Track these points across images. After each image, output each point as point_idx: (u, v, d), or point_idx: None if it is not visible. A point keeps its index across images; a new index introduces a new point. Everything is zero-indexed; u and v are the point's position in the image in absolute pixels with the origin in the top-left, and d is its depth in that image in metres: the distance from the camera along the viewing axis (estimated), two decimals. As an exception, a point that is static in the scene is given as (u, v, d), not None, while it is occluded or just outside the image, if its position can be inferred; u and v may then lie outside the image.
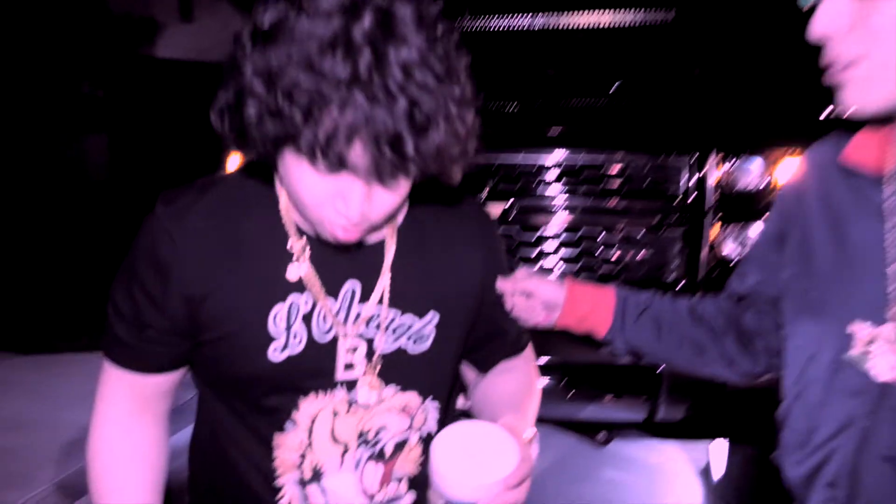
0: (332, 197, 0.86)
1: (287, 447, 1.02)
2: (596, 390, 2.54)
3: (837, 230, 0.99)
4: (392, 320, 1.03)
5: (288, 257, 0.99)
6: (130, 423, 1.07)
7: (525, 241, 2.47)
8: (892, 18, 0.80)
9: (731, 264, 2.43)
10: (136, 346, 1.02)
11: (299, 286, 0.99)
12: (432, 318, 1.05)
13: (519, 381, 1.19)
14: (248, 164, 1.04)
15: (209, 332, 0.99)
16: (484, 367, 1.20)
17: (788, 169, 2.44)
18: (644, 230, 2.43)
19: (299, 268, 0.99)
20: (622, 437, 3.38)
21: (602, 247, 2.45)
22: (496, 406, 1.10)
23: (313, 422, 1.01)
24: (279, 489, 1.03)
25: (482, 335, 1.15)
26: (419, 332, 1.05)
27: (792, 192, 1.09)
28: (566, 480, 3.23)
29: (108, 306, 1.04)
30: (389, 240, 1.03)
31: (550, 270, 2.47)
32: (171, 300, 0.98)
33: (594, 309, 1.23)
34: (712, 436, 2.87)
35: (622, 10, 3.26)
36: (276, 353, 0.98)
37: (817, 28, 0.85)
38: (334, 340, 1.00)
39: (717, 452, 3.22)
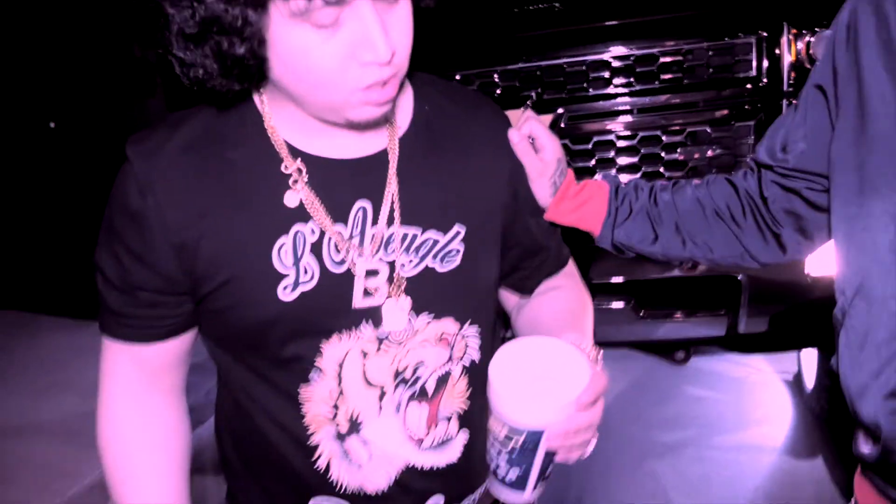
0: (349, 49, 0.74)
1: (316, 400, 0.90)
2: (670, 308, 2.36)
3: None
4: (413, 238, 0.90)
5: (284, 183, 0.86)
6: (142, 404, 0.96)
7: (580, 150, 2.24)
8: None
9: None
10: (132, 313, 0.90)
11: (303, 214, 0.86)
12: (458, 231, 0.92)
13: (569, 298, 1.07)
14: (218, 95, 0.88)
15: (209, 281, 0.86)
16: (526, 288, 1.08)
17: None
18: (711, 125, 2.17)
19: (299, 193, 0.85)
20: (703, 353, 3.22)
21: (666, 149, 2.20)
22: (549, 326, 0.97)
23: (341, 367, 0.89)
24: (314, 448, 0.92)
25: (520, 252, 1.04)
26: (445, 248, 0.92)
27: (841, 38, 0.90)
28: (647, 403, 3.10)
29: (96, 276, 0.92)
30: (392, 150, 0.90)
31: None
32: (159, 253, 0.85)
33: (587, 206, 1.10)
34: (800, 346, 2.72)
35: None
36: (286, 292, 0.86)
37: None
38: (350, 270, 0.88)
39: (808, 361, 3.06)
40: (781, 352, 3.05)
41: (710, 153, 2.18)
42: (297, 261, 0.86)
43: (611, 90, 2.20)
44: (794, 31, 2.09)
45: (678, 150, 2.19)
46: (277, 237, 0.85)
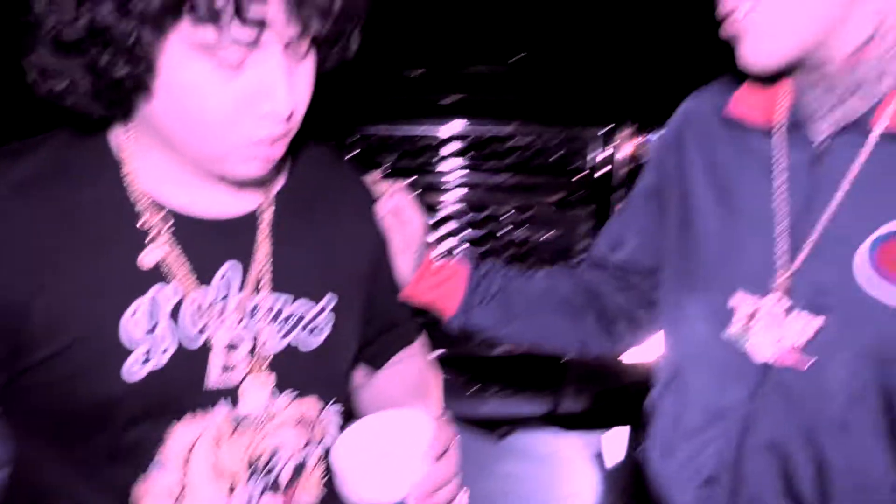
0: (248, 97, 0.69)
1: (154, 496, 0.78)
2: (496, 385, 2.41)
3: (721, 188, 0.91)
4: (280, 309, 0.84)
5: (141, 238, 0.77)
6: None
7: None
8: None
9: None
10: None
11: (160, 275, 0.77)
12: (329, 301, 0.88)
13: (418, 368, 1.05)
14: (70, 126, 0.78)
15: (38, 349, 0.73)
16: (378, 361, 1.05)
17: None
18: (550, 208, 2.26)
19: (158, 250, 0.77)
20: (519, 429, 3.31)
21: (508, 226, 2.27)
22: (395, 399, 0.94)
23: (189, 455, 0.78)
24: None
25: (377, 326, 1.01)
26: (314, 320, 0.87)
27: (669, 146, 1.00)
28: (464, 480, 3.09)
29: None
30: (265, 209, 0.85)
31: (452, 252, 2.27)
32: None
33: (445, 286, 1.11)
34: (612, 425, 2.83)
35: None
36: (134, 369, 0.75)
37: None
38: (208, 342, 0.79)
39: (612, 440, 3.21)
40: (594, 430, 3.19)
41: (548, 235, 2.26)
42: (151, 330, 0.76)
43: (458, 165, 2.24)
44: (630, 128, 2.25)
45: (517, 230, 2.26)
46: (130, 300, 0.75)
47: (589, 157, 2.27)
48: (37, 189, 0.75)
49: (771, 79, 0.87)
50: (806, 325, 0.82)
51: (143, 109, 0.71)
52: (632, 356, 2.30)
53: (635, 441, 2.96)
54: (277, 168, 0.86)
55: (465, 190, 2.24)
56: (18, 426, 0.80)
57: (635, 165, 2.28)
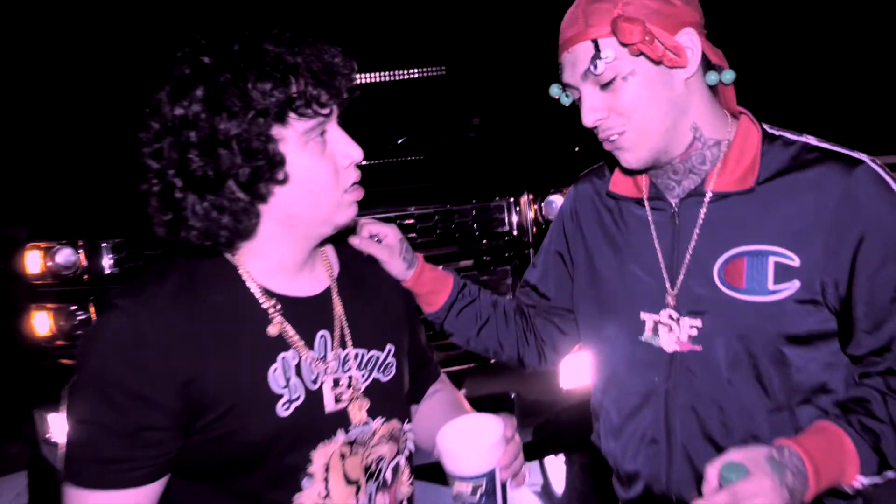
0: (334, 160, 1.01)
1: (309, 502, 1.03)
2: None
3: (613, 243, 1.27)
4: (361, 356, 1.12)
5: (263, 319, 1.03)
6: None
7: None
8: (630, 101, 1.07)
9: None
10: (130, 457, 0.95)
11: (283, 344, 1.04)
12: (389, 349, 1.16)
13: (452, 396, 1.33)
14: (184, 251, 1.05)
15: (209, 412, 0.98)
16: (418, 396, 1.32)
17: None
18: (478, 270, 2.64)
19: (277, 326, 1.03)
20: None
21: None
22: (447, 416, 1.19)
23: (327, 470, 1.05)
24: None
25: (415, 363, 1.27)
26: (384, 363, 1.15)
27: (567, 218, 1.37)
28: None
29: (75, 433, 0.96)
30: (333, 289, 1.13)
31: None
32: (164, 392, 0.95)
33: (434, 289, 1.36)
34: (557, 451, 3.11)
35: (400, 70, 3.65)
36: (283, 409, 1.01)
37: (587, 120, 1.11)
38: (321, 386, 1.06)
39: (553, 471, 3.48)
40: (544, 457, 3.43)
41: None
42: (287, 382, 1.02)
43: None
44: (531, 195, 2.69)
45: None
46: (269, 364, 1.01)
47: (504, 224, 2.68)
48: (183, 297, 0.99)
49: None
50: (691, 325, 1.14)
51: (270, 210, 0.99)
52: (570, 382, 2.68)
53: (572, 468, 3.26)
54: (331, 258, 1.16)
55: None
56: (193, 472, 1.01)
57: (542, 224, 2.73)
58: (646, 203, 1.22)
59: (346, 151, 1.02)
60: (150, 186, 0.97)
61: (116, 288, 1.00)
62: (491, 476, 1.04)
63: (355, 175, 1.04)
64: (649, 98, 1.08)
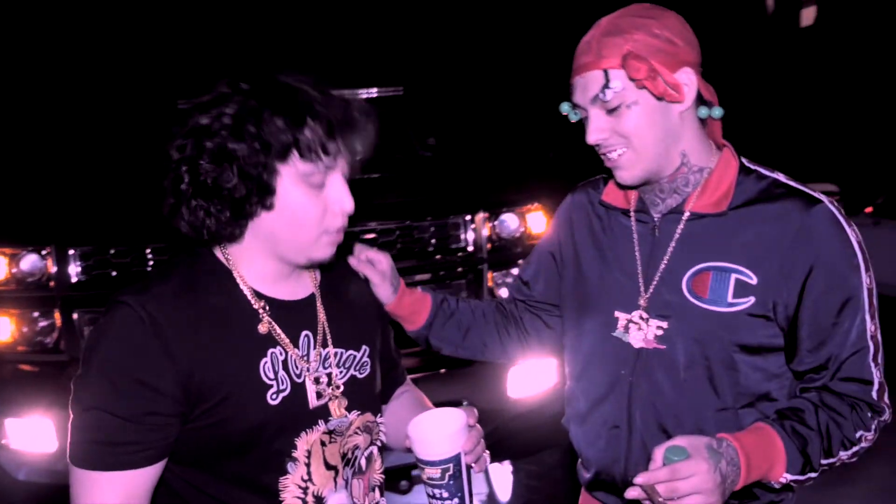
0: (327, 205, 1.12)
1: (291, 486, 1.14)
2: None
3: (599, 248, 1.43)
4: (340, 355, 1.24)
5: (254, 318, 1.15)
6: None
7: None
8: (631, 126, 1.23)
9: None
10: (137, 440, 1.04)
11: (271, 341, 1.15)
12: (365, 349, 1.29)
13: (417, 396, 1.46)
14: (180, 252, 1.19)
15: (206, 401, 1.08)
16: (386, 396, 1.43)
17: (536, 220, 2.99)
18: (434, 283, 2.79)
19: (267, 324, 1.15)
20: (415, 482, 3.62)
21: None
22: (414, 413, 1.31)
23: (309, 456, 1.16)
24: None
25: (385, 365, 1.39)
26: (360, 361, 1.27)
27: (562, 223, 1.53)
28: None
29: (83, 420, 1.05)
30: (316, 295, 1.25)
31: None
32: (169, 381, 1.05)
33: (414, 310, 1.50)
34: (498, 460, 3.21)
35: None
36: (273, 396, 1.13)
37: (591, 139, 1.27)
38: (305, 381, 1.18)
39: (497, 477, 3.63)
40: (497, 462, 3.54)
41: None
42: (276, 374, 1.14)
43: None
44: (486, 213, 2.85)
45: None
46: (261, 358, 1.13)
47: (462, 239, 2.83)
48: (184, 296, 1.09)
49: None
50: (658, 326, 1.28)
51: (255, 226, 1.11)
52: (518, 391, 2.82)
53: (518, 474, 3.40)
54: (314, 270, 1.26)
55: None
56: (189, 457, 1.10)
57: (496, 241, 2.90)
58: (632, 215, 1.38)
59: (340, 201, 1.13)
60: (166, 172, 1.10)
61: (124, 287, 1.10)
62: (457, 460, 1.16)
63: (341, 222, 1.15)
64: (647, 126, 1.23)
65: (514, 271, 2.92)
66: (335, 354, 1.23)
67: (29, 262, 2.58)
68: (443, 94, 4.06)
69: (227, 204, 1.08)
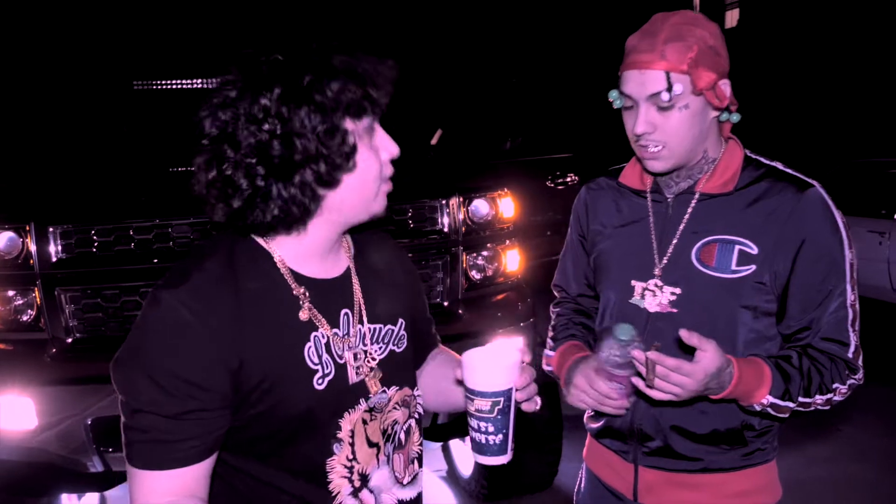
0: (378, 154, 1.14)
1: (338, 467, 1.16)
2: None
3: (617, 225, 1.59)
4: (378, 331, 1.25)
5: (295, 304, 1.14)
6: None
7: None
8: (676, 127, 1.36)
9: (479, 284, 3.03)
10: (188, 437, 1.04)
11: (313, 325, 1.15)
12: (401, 324, 1.30)
13: (453, 354, 1.46)
14: (217, 238, 1.17)
15: (255, 391, 1.08)
16: (420, 360, 1.44)
17: (506, 205, 3.13)
18: (415, 263, 2.86)
19: (308, 310, 1.15)
20: None
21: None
22: (454, 365, 1.30)
23: (352, 435, 1.17)
24: None
25: (421, 332, 1.42)
26: (398, 335, 1.29)
27: (581, 207, 1.68)
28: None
29: (132, 420, 1.04)
30: (352, 269, 1.25)
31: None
32: (215, 376, 1.05)
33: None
34: (459, 436, 3.22)
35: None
36: (319, 381, 1.14)
37: (638, 129, 1.38)
38: (345, 360, 1.19)
39: (459, 454, 3.73)
40: (448, 441, 3.65)
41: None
42: (320, 358, 1.14)
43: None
44: (461, 198, 2.96)
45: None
46: (304, 344, 1.13)
47: (437, 223, 2.93)
48: (225, 283, 1.07)
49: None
50: (672, 292, 1.44)
51: (331, 197, 1.10)
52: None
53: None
54: (347, 244, 1.26)
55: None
56: (240, 445, 1.11)
57: (469, 224, 3.02)
58: (648, 195, 1.55)
59: (388, 147, 1.16)
60: (221, 173, 1.06)
61: (161, 279, 1.09)
62: (508, 394, 1.14)
63: (390, 169, 1.17)
64: (688, 127, 1.38)
65: (485, 253, 3.05)
66: (373, 330, 1.24)
67: (4, 239, 2.55)
68: (405, 82, 4.13)
69: (312, 178, 1.06)
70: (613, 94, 1.43)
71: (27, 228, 2.54)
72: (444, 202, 2.93)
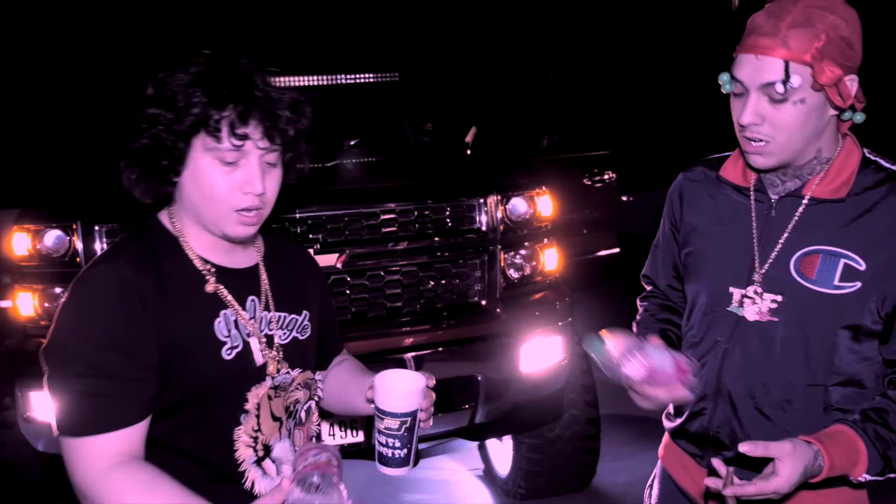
0: (238, 184, 1.19)
1: (244, 436, 1.27)
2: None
3: (713, 223, 1.48)
4: (283, 319, 1.37)
5: (202, 280, 1.26)
6: (141, 467, 1.15)
7: (357, 284, 2.77)
8: (788, 121, 1.24)
9: (517, 283, 3.02)
10: (127, 396, 1.14)
11: (222, 303, 1.27)
12: (306, 313, 1.42)
13: (357, 362, 1.57)
14: (136, 228, 1.31)
15: (172, 357, 1.19)
16: (324, 363, 1.55)
17: (544, 203, 3.10)
18: (451, 263, 2.89)
19: (214, 285, 1.27)
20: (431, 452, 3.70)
21: (420, 280, 2.86)
22: (356, 378, 1.46)
23: (258, 408, 1.28)
24: (243, 473, 1.27)
25: (323, 331, 1.51)
26: (302, 324, 1.41)
27: (674, 200, 1.58)
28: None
29: (69, 385, 1.12)
30: (260, 264, 1.37)
31: (382, 307, 2.81)
32: (148, 335, 1.16)
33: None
34: (516, 431, 3.27)
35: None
36: (227, 352, 1.26)
37: (746, 119, 1.27)
38: (252, 340, 1.30)
39: (496, 454, 3.70)
40: (505, 436, 3.52)
41: (449, 282, 2.89)
42: (229, 332, 1.26)
43: (379, 236, 2.79)
44: (499, 196, 2.95)
45: (431, 281, 2.86)
46: (215, 318, 1.25)
47: (475, 222, 2.93)
48: (146, 263, 1.21)
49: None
50: (773, 300, 1.34)
51: (179, 193, 1.23)
52: (525, 368, 2.93)
53: (520, 448, 3.46)
54: (259, 241, 1.38)
55: (389, 256, 2.80)
56: (153, 420, 1.19)
57: (507, 223, 2.99)
58: (751, 193, 1.42)
59: (249, 182, 1.20)
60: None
61: (88, 262, 1.25)
62: (414, 415, 1.28)
63: (248, 202, 1.21)
64: (801, 124, 1.25)
65: (523, 252, 3.03)
66: (278, 318, 1.35)
67: (53, 237, 2.61)
68: (439, 81, 4.16)
69: (147, 166, 1.19)
70: (724, 78, 1.30)
71: (74, 227, 2.60)
72: (481, 201, 2.92)
